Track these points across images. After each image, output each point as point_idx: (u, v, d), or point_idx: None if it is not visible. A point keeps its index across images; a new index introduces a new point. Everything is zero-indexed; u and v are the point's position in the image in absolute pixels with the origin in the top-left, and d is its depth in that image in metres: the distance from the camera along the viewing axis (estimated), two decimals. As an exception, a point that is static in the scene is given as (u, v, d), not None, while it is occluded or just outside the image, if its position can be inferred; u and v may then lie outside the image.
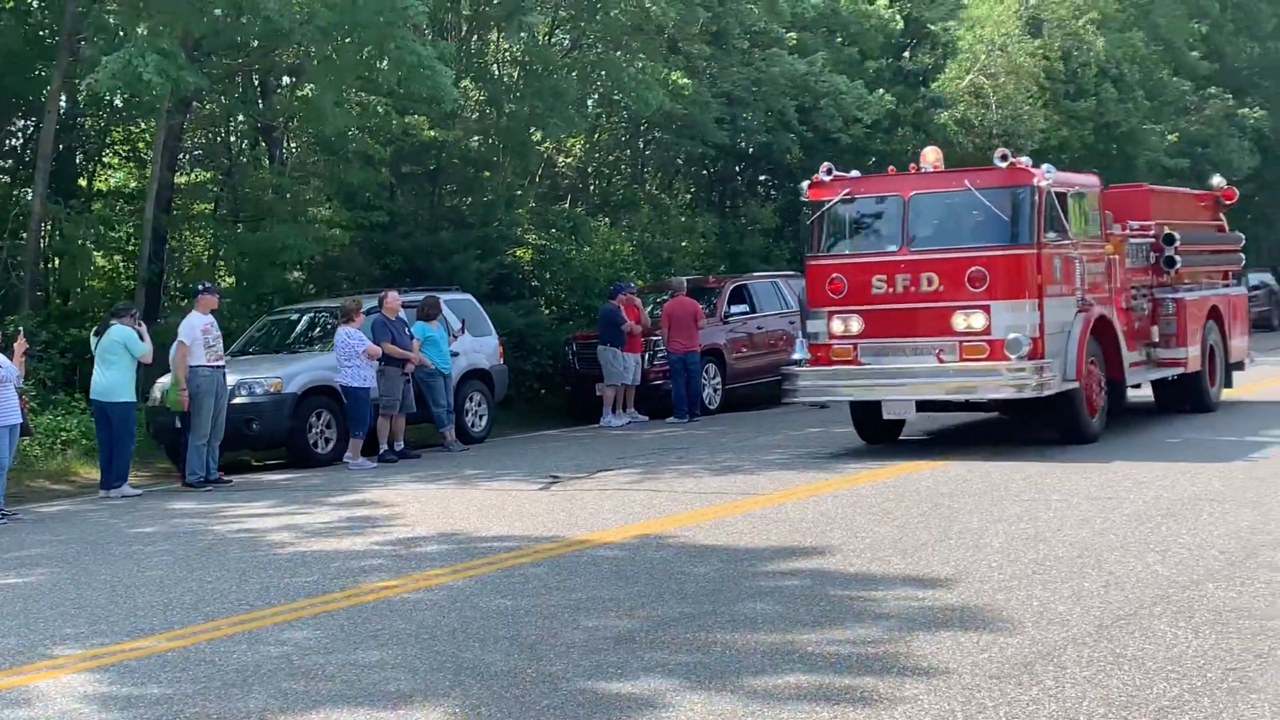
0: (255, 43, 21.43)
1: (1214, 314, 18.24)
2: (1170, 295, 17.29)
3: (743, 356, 23.14)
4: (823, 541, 9.96)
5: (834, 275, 15.22)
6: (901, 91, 31.97)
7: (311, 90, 21.34)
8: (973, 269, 14.43)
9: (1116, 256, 16.09)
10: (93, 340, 15.65)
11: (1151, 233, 17.30)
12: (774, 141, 29.03)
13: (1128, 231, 16.77)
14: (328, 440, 17.65)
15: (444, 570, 9.63)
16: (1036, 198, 14.51)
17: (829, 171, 15.52)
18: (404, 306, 18.28)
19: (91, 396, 15.53)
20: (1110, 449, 14.44)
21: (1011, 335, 14.13)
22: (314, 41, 19.32)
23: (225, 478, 15.80)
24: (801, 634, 7.29)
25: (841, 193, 15.37)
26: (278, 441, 17.65)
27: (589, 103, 27.68)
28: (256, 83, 24.67)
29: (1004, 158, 14.65)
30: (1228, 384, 18.78)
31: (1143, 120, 37.73)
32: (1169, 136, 38.78)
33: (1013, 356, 14.14)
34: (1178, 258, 17.32)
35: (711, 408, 22.14)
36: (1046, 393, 14.24)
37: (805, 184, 15.88)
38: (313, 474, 16.37)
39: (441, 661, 7.08)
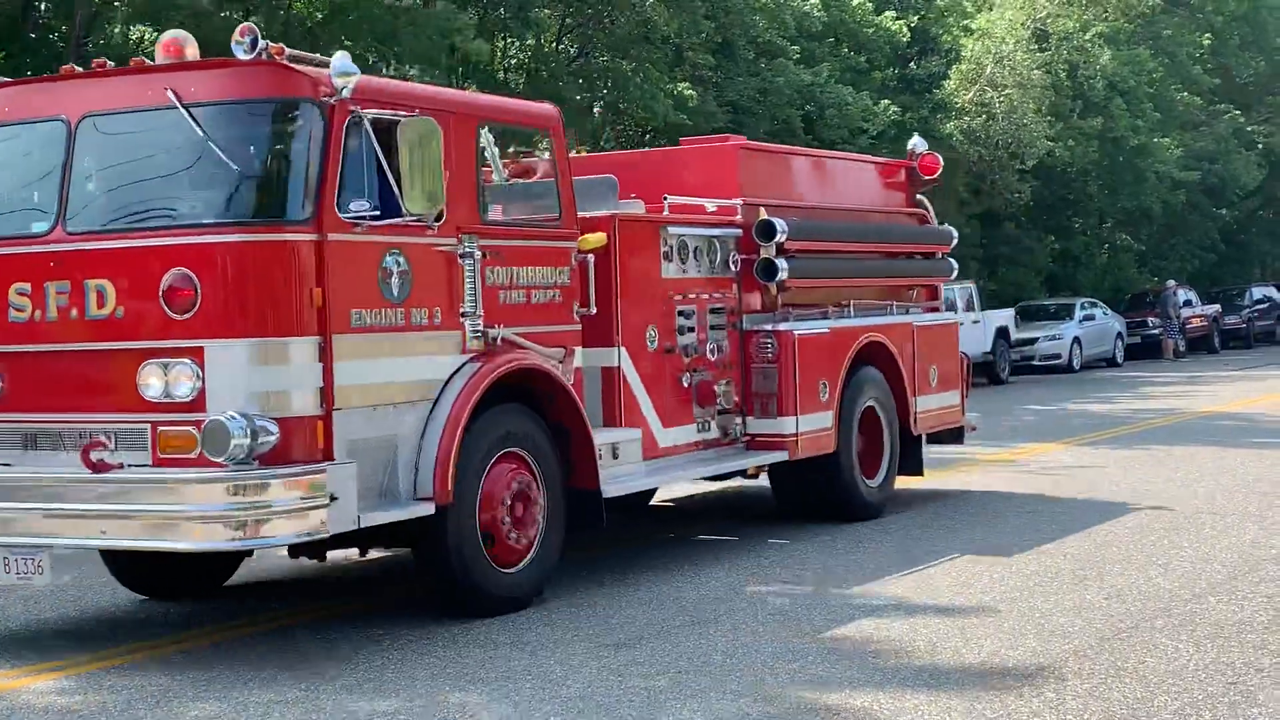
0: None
1: (873, 357, 11.44)
2: (768, 327, 10.51)
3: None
4: (823, 552, 9.95)
5: None
6: (907, 100, 31.98)
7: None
8: (174, 273, 7.31)
9: (593, 255, 9.05)
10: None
11: (736, 219, 10.49)
12: (779, 151, 29.01)
13: (664, 215, 9.86)
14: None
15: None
16: (325, 126, 7.45)
17: None
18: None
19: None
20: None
21: (222, 416, 7.06)
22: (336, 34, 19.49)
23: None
24: (801, 642, 7.27)
25: None
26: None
27: (594, 110, 27.72)
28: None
29: (253, 44, 7.40)
30: (912, 470, 12.06)
31: (1151, 135, 37.76)
32: (1174, 151, 38.81)
33: (223, 459, 7.06)
34: (782, 264, 10.45)
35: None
36: (318, 536, 7.24)
37: None
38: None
39: (443, 668, 7.07)
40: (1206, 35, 42.24)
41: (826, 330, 10.98)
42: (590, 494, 8.72)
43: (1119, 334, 34.46)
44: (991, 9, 34.63)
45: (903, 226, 12.74)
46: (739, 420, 10.38)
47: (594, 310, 9.06)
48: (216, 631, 8.16)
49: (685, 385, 9.90)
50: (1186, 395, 23.43)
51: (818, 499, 11.11)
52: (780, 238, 10.45)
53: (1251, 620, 7.40)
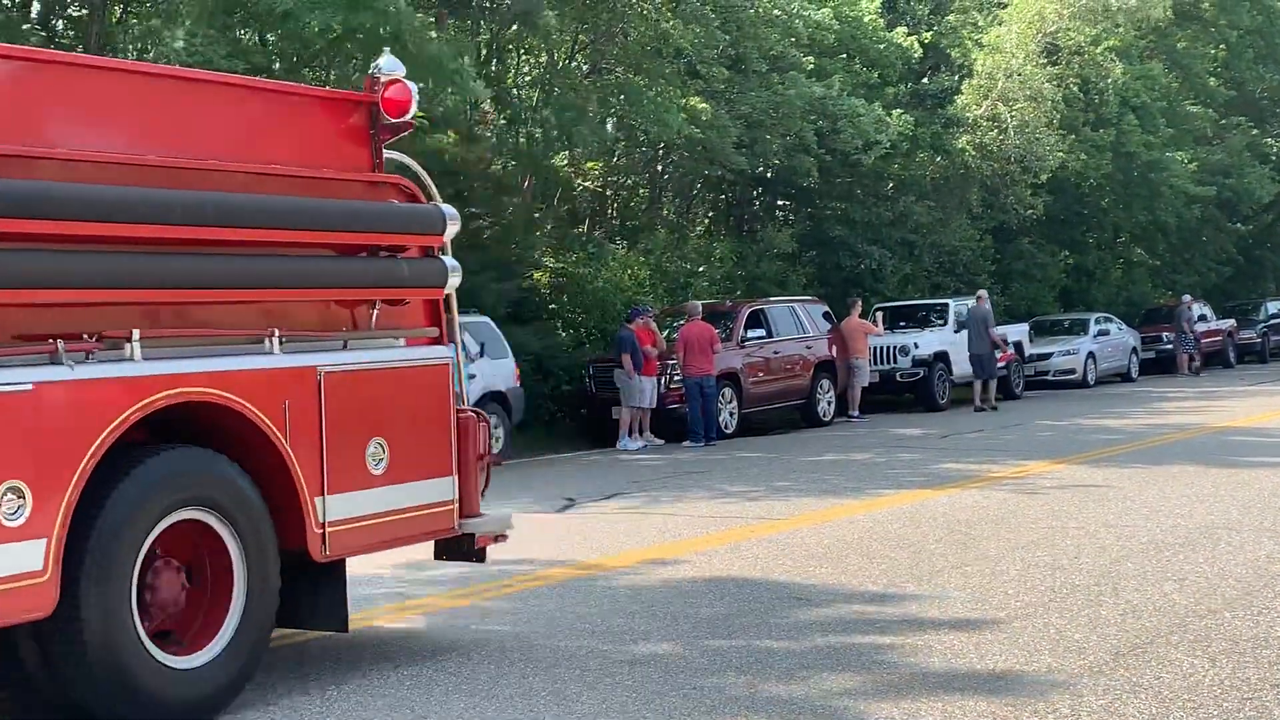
0: (277, 64, 21.63)
1: (210, 431, 6.49)
2: None
3: (759, 381, 23.17)
4: (837, 568, 9.93)
5: None
6: (920, 115, 32.03)
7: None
8: None
9: None
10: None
11: None
12: (792, 165, 29.09)
13: None
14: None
15: (449, 594, 9.62)
16: None
17: None
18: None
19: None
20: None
21: None
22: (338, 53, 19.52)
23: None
24: (814, 661, 7.26)
25: None
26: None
27: (608, 125, 27.80)
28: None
29: None
30: (327, 619, 7.33)
31: (1164, 149, 37.74)
32: (1188, 165, 38.78)
33: None
34: None
35: (728, 432, 22.15)
36: None
37: None
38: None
39: (457, 685, 7.07)
40: (1220, 47, 42.22)
41: (29, 387, 5.64)
42: None
43: (1134, 349, 34.39)
44: (1001, 24, 34.68)
45: (323, 203, 7.15)
46: None
47: None
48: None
49: None
50: (1201, 410, 23.37)
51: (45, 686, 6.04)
52: None
53: (1267, 636, 7.37)
